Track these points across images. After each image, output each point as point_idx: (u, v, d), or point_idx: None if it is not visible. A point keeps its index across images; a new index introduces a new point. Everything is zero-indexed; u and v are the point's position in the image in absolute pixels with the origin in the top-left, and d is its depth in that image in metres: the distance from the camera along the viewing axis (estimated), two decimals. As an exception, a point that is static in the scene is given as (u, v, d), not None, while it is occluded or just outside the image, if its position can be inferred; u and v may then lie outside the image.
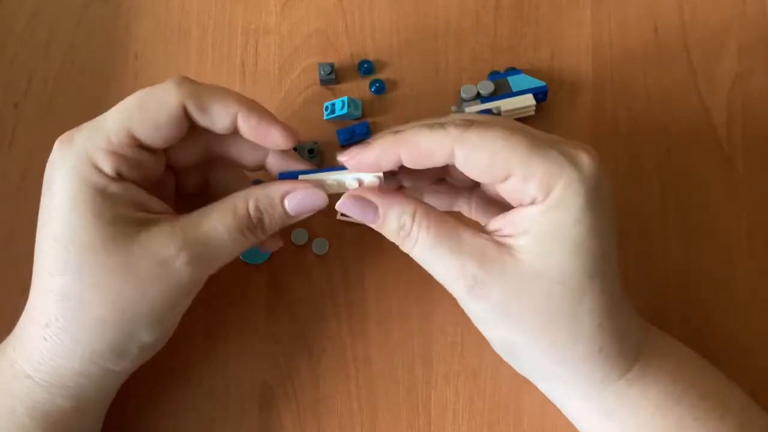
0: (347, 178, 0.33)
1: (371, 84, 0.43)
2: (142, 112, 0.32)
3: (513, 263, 0.30)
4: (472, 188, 0.36)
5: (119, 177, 0.32)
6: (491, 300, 0.31)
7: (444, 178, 0.36)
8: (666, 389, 0.33)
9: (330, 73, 0.42)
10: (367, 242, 0.41)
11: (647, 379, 0.33)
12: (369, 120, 0.42)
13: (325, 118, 0.42)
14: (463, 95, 0.41)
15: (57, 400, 0.32)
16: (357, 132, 0.41)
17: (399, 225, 0.32)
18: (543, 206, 0.30)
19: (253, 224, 0.33)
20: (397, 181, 0.36)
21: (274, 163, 0.35)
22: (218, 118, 0.33)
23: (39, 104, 0.43)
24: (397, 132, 0.32)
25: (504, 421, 0.38)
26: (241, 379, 0.39)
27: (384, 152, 0.31)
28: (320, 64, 0.42)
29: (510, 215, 0.31)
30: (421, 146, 0.31)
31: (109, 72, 0.44)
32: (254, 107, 0.33)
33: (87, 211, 0.31)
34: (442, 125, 0.31)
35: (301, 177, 0.34)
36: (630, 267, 0.40)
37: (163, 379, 0.38)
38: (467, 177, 0.34)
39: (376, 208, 0.32)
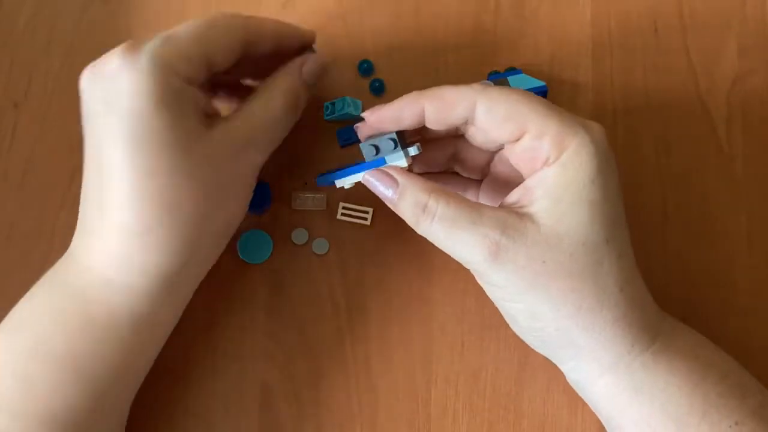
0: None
1: (371, 84, 0.43)
2: (215, 35, 0.33)
3: (534, 228, 0.31)
4: (481, 179, 0.37)
5: (189, 82, 0.33)
6: (517, 264, 0.31)
7: (453, 170, 0.37)
8: (691, 365, 0.33)
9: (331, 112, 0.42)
10: (367, 242, 0.41)
11: (671, 353, 0.33)
12: (369, 120, 0.42)
13: (325, 118, 0.41)
14: (463, 95, 0.41)
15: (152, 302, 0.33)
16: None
17: (415, 201, 0.33)
18: (557, 166, 0.31)
19: (295, 102, 0.36)
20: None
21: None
22: (265, 44, 0.36)
23: (39, 104, 0.43)
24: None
25: (504, 421, 0.38)
26: (241, 379, 0.39)
27: (407, 104, 0.33)
28: (325, 104, 0.42)
29: (525, 183, 0.33)
30: (445, 97, 0.33)
31: (109, 72, 0.44)
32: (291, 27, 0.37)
33: (171, 111, 0.31)
34: (466, 84, 0.33)
35: (337, 182, 0.36)
36: (630, 267, 0.40)
37: (163, 379, 0.38)
38: (477, 163, 0.36)
39: (396, 184, 0.33)
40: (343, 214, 0.41)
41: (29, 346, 0.32)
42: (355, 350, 0.40)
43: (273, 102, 0.35)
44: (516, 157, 0.33)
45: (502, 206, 0.33)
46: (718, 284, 0.40)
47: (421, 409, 0.39)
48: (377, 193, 0.34)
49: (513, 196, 0.33)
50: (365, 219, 0.41)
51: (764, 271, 0.40)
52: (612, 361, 0.33)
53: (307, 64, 0.37)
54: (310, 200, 0.41)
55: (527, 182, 0.32)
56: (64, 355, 0.32)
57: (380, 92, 0.43)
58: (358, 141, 0.41)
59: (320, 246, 0.41)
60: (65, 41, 0.44)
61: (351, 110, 0.41)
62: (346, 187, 0.36)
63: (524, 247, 0.31)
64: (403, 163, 0.34)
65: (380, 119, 0.34)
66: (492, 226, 0.31)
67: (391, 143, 0.35)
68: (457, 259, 0.33)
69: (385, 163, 0.35)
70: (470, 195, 0.37)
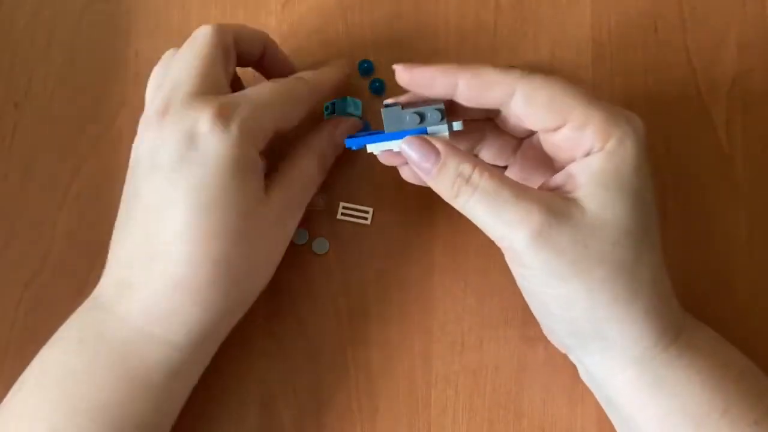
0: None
1: (371, 84, 0.43)
2: (287, 109, 0.35)
3: (580, 213, 0.31)
4: (504, 166, 0.37)
5: (261, 155, 0.34)
6: (559, 246, 0.30)
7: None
8: (711, 363, 0.33)
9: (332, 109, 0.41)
10: (367, 242, 0.41)
11: (693, 350, 0.33)
12: (369, 120, 0.42)
13: (325, 118, 0.41)
14: (463, 95, 0.41)
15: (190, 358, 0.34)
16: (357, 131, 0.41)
17: (457, 173, 0.31)
18: (602, 154, 0.31)
19: (325, 164, 0.38)
20: None
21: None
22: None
23: (39, 104, 0.43)
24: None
25: (504, 420, 0.39)
26: (241, 379, 0.39)
27: (443, 73, 0.32)
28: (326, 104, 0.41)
29: (569, 169, 0.32)
30: (483, 77, 0.32)
31: (109, 72, 0.44)
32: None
33: (244, 179, 0.32)
34: (508, 67, 0.32)
35: (369, 146, 0.34)
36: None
37: (163, 379, 0.38)
38: (504, 150, 0.35)
39: (437, 153, 0.32)
40: (343, 214, 0.41)
41: (64, 402, 0.32)
42: (355, 350, 0.40)
43: (310, 169, 0.37)
44: (552, 145, 0.32)
45: (542, 188, 0.33)
46: (718, 285, 0.40)
47: (421, 409, 0.39)
48: (413, 163, 0.33)
49: (555, 181, 0.32)
50: (365, 219, 0.41)
51: (764, 272, 0.40)
52: (638, 355, 0.32)
53: (341, 126, 0.39)
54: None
55: (570, 168, 0.32)
56: (97, 408, 0.32)
57: (380, 92, 0.43)
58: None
59: (320, 246, 0.41)
60: (65, 41, 0.44)
61: (351, 110, 0.41)
62: (376, 153, 0.35)
63: (568, 230, 0.30)
64: (446, 135, 0.33)
65: (412, 80, 0.33)
66: (537, 202, 0.30)
67: (438, 114, 0.32)
68: (492, 236, 0.32)
69: (426, 132, 0.33)
70: None
